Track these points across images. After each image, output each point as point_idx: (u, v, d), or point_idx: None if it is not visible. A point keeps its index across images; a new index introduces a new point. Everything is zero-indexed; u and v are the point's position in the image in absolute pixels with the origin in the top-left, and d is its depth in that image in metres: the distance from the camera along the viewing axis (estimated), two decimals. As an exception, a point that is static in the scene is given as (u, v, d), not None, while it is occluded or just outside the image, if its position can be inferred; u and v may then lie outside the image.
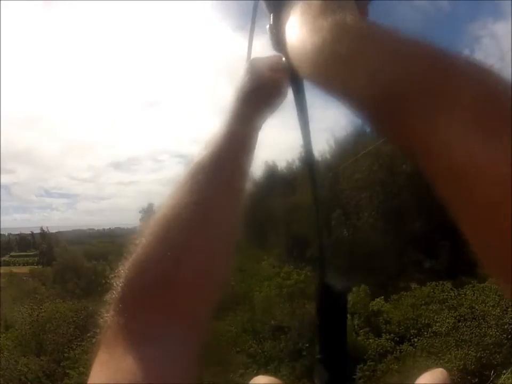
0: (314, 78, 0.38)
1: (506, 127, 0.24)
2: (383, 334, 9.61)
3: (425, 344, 8.68)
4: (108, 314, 0.38)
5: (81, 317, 9.20)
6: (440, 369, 0.54)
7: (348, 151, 16.96)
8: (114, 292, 0.39)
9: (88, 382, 0.34)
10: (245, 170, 0.49)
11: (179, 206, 0.43)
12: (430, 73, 0.28)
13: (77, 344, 8.43)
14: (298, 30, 0.39)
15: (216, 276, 0.43)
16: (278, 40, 0.46)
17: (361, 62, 0.32)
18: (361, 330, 9.57)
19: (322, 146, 18.01)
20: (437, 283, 11.27)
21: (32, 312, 9.34)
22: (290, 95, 0.55)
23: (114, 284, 0.40)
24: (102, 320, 0.38)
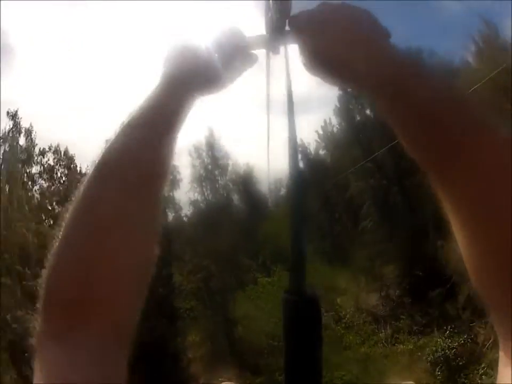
0: (330, 59, 0.45)
1: None
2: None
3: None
4: (37, 322, 0.39)
5: None
6: (410, 382, 0.51)
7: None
8: (40, 300, 0.39)
9: None
10: (164, 157, 0.46)
11: (91, 198, 0.41)
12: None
13: None
14: (320, 32, 0.46)
15: (134, 273, 0.42)
16: (279, 24, 0.48)
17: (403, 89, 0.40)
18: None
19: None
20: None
21: None
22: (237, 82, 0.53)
23: (40, 291, 0.40)
24: (34, 327, 0.39)
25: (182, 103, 0.49)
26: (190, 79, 0.50)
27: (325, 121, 18.26)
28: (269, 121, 0.59)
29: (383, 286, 11.40)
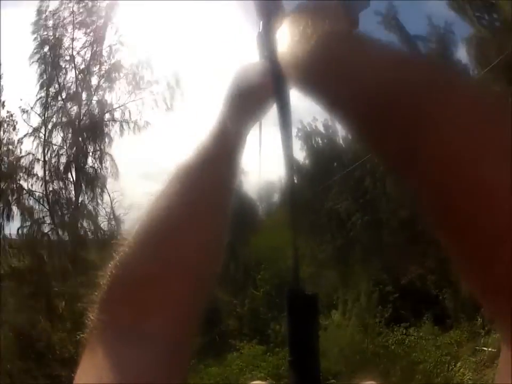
0: (303, 84, 0.39)
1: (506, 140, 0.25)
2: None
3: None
4: (94, 314, 0.40)
5: None
6: (371, 382, 0.53)
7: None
8: (100, 291, 0.41)
9: (74, 382, 0.36)
10: (232, 172, 0.50)
11: (166, 207, 0.44)
12: (423, 84, 0.29)
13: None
14: (290, 37, 0.41)
15: (204, 277, 0.44)
16: (267, 47, 0.48)
17: (352, 69, 0.33)
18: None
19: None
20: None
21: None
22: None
23: (101, 283, 0.41)
24: (88, 320, 0.40)
25: (243, 138, 0.52)
26: (256, 109, 0.54)
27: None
28: (261, 127, 0.57)
29: None
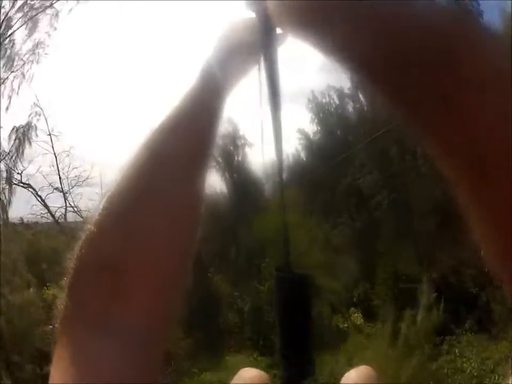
0: (299, 26, 0.35)
1: None
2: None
3: None
4: (62, 302, 0.37)
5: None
6: (365, 366, 0.47)
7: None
8: (68, 275, 0.38)
9: (49, 382, 0.35)
10: (209, 137, 0.46)
11: (133, 177, 0.40)
12: (444, 33, 0.27)
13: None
14: None
15: (179, 258, 0.41)
16: None
17: (363, 6, 0.30)
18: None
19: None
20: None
21: None
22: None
23: (69, 265, 0.38)
24: (58, 308, 0.37)
25: (225, 95, 0.49)
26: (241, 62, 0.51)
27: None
28: (261, 101, 0.54)
29: None
